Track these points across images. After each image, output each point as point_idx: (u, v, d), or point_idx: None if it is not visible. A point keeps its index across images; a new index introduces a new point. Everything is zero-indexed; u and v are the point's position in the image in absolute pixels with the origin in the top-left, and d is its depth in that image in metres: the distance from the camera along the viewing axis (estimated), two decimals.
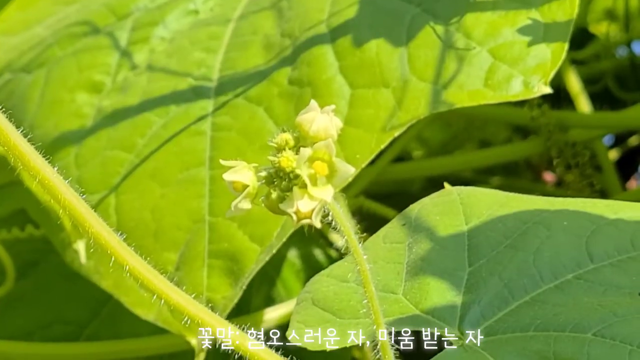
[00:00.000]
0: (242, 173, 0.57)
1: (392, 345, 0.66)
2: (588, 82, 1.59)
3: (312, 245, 1.19)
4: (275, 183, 0.57)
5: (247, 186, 0.57)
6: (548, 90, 0.86)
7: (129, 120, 0.98)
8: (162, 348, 1.09)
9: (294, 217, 0.56)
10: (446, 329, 0.71)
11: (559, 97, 1.47)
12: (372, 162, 1.35)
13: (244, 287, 0.87)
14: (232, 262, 0.87)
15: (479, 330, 0.71)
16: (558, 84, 1.52)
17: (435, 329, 0.71)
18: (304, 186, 0.56)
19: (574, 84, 1.46)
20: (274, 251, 0.86)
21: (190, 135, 0.95)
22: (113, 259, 0.62)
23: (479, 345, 0.69)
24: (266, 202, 0.57)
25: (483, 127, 1.64)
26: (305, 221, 0.55)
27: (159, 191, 0.93)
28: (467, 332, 0.71)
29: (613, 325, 0.68)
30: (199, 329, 0.85)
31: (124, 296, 0.91)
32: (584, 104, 1.38)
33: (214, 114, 0.95)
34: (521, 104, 1.32)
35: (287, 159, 0.56)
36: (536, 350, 0.68)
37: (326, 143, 0.55)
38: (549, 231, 0.76)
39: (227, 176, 0.57)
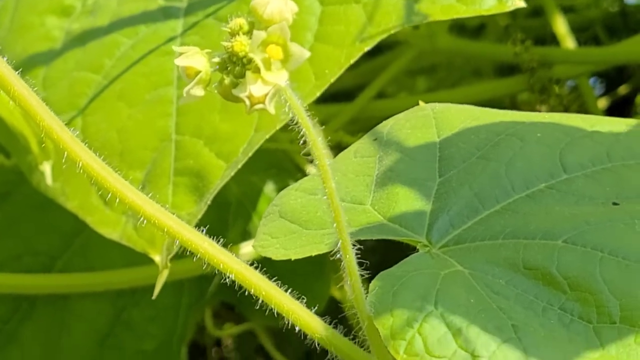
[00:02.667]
0: (195, 58, 0.55)
1: (357, 253, 0.64)
2: (577, 30, 1.57)
3: (289, 180, 1.17)
4: (229, 69, 0.55)
5: (200, 72, 0.55)
6: (522, 4, 0.84)
7: (98, 41, 0.96)
8: (135, 281, 1.07)
9: (247, 102, 0.53)
10: (413, 236, 0.69)
11: (545, 41, 1.45)
12: (352, 99, 1.34)
13: (209, 203, 0.85)
14: (197, 179, 0.85)
15: (447, 238, 0.69)
16: (545, 27, 1.49)
17: (402, 237, 0.69)
18: (257, 71, 0.53)
19: (561, 27, 1.44)
20: (239, 166, 0.84)
21: (159, 55, 0.93)
22: (80, 165, 0.60)
23: (446, 252, 0.68)
24: (219, 88, 0.55)
25: (466, 71, 1.62)
26: (259, 106, 0.53)
27: (126, 112, 0.91)
28: (434, 240, 0.69)
29: (584, 233, 0.66)
30: (168, 240, 0.83)
31: (89, 216, 0.89)
32: (569, 44, 1.35)
33: (183, 35, 0.93)
34: (504, 40, 1.30)
35: (240, 44, 0.54)
36: (505, 258, 0.66)
37: (280, 26, 0.53)
38: (522, 142, 0.74)
39: (180, 61, 0.55)
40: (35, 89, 0.65)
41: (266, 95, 0.53)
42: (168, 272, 1.03)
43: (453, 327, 0.61)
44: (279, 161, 1.18)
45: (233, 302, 1.21)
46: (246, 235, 1.14)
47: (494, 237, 0.68)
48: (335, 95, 1.48)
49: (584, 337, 0.62)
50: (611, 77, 1.91)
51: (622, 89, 1.86)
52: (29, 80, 0.82)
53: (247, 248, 1.09)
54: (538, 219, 0.68)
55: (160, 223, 0.64)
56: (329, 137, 1.17)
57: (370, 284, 0.64)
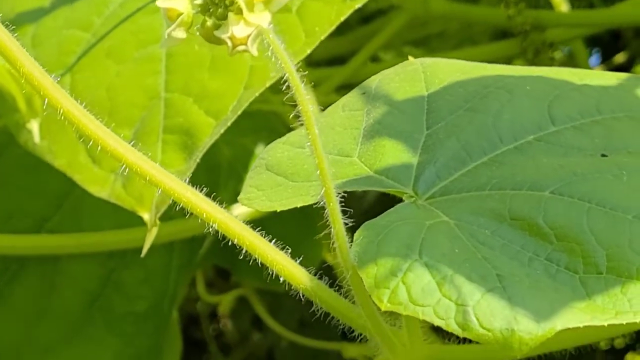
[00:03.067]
0: (177, 0, 0.54)
1: (341, 203, 0.63)
2: None
3: None
4: (211, 10, 0.54)
5: (182, 14, 0.54)
6: None
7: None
8: (125, 242, 1.07)
9: (229, 44, 0.53)
10: (400, 188, 0.69)
11: (538, 4, 1.44)
12: (345, 62, 1.33)
13: (198, 161, 0.84)
14: (186, 137, 0.85)
15: (433, 189, 0.68)
16: None
17: (389, 188, 0.69)
18: (239, 12, 0.53)
19: None
20: (229, 124, 0.84)
21: (148, 13, 0.92)
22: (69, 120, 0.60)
23: (432, 204, 0.67)
24: (201, 30, 0.55)
25: (460, 40, 1.61)
26: (241, 47, 0.53)
27: (115, 69, 0.90)
28: (421, 191, 0.68)
29: (572, 184, 0.66)
30: (157, 198, 0.83)
31: (77, 174, 0.89)
32: (563, 7, 1.35)
33: None
34: (498, 3, 1.29)
35: None
36: (491, 208, 0.65)
37: None
38: (511, 95, 0.74)
39: (161, 3, 0.54)
40: (25, 48, 0.64)
41: (248, 36, 0.53)
42: (158, 232, 1.03)
43: (437, 276, 0.61)
44: (270, 123, 1.17)
45: (224, 265, 1.20)
46: (237, 197, 1.13)
47: (481, 188, 0.67)
48: (328, 61, 1.48)
49: (570, 288, 0.62)
50: (607, 47, 1.90)
51: (618, 58, 1.86)
52: (18, 38, 0.81)
53: (238, 210, 1.08)
54: (525, 170, 0.68)
55: (152, 177, 0.64)
56: (321, 100, 1.16)
57: (355, 234, 0.64)
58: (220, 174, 1.13)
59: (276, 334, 1.47)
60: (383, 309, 0.60)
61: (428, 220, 0.65)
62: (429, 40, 1.67)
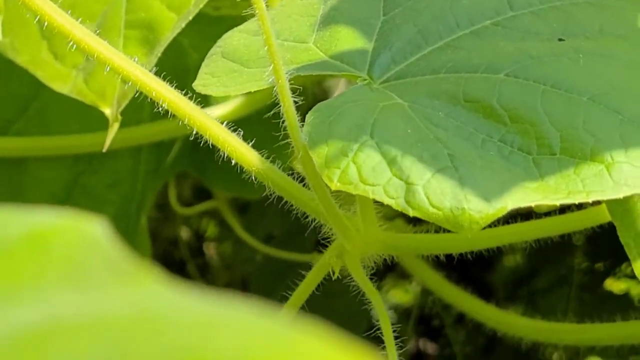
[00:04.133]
0: None
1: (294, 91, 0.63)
2: None
3: None
4: None
5: None
6: None
7: None
8: (92, 146, 1.06)
9: None
10: (354, 72, 0.68)
11: None
12: None
13: (159, 55, 0.83)
14: (148, 31, 0.84)
15: (388, 74, 0.68)
16: None
17: (343, 72, 0.68)
18: None
19: None
20: (190, 18, 0.83)
21: None
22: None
23: (387, 87, 0.66)
24: None
25: None
26: None
27: None
28: (376, 76, 0.68)
29: (527, 67, 0.65)
30: (118, 92, 0.82)
31: (40, 70, 0.88)
32: None
33: None
34: None
35: None
36: (445, 91, 0.65)
37: None
38: None
39: None
40: None
41: None
42: (125, 136, 1.02)
43: (388, 156, 0.60)
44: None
45: (193, 172, 1.20)
46: (205, 102, 1.12)
47: (436, 71, 0.67)
48: None
49: (522, 168, 0.61)
50: None
51: None
52: None
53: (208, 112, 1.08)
54: (481, 54, 0.67)
55: (118, 67, 0.64)
56: None
57: (307, 115, 0.63)
58: (188, 78, 1.12)
59: (250, 248, 1.48)
60: (333, 188, 0.60)
61: (381, 102, 0.64)
62: None
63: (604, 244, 1.20)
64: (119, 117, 0.83)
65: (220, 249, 1.85)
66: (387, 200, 0.59)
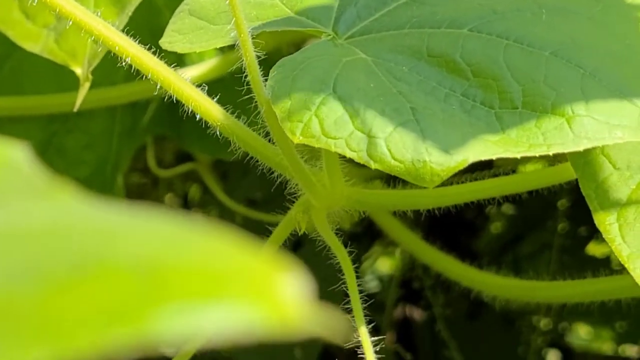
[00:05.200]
0: None
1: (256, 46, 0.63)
2: None
3: None
4: None
5: None
6: None
7: None
8: (66, 106, 1.06)
9: None
10: (319, 27, 0.68)
11: None
12: None
13: (130, 14, 0.83)
14: None
15: (353, 30, 0.68)
16: None
17: (308, 27, 0.68)
18: None
19: None
20: None
21: None
22: None
23: (351, 43, 0.67)
24: None
25: None
26: None
27: None
28: (341, 32, 0.68)
29: (491, 22, 0.66)
30: (89, 51, 0.82)
31: (11, 30, 0.88)
32: None
33: None
34: None
35: None
36: (409, 46, 0.65)
37: None
38: None
39: None
40: None
41: None
42: (99, 97, 1.02)
43: (350, 110, 0.61)
44: None
45: (170, 133, 1.20)
46: (181, 63, 1.13)
47: (400, 27, 0.67)
48: None
49: (485, 122, 0.62)
50: None
51: None
52: None
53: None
54: (445, 9, 0.67)
55: (86, 25, 0.64)
56: None
57: (271, 69, 0.63)
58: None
59: (230, 211, 1.48)
60: (295, 141, 0.60)
61: (345, 57, 0.64)
62: None
63: (587, 208, 1.21)
64: (90, 76, 0.83)
65: (205, 214, 1.85)
66: (349, 153, 0.60)
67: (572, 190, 1.17)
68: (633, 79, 0.62)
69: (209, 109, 0.64)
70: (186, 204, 1.90)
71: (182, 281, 0.23)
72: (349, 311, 0.68)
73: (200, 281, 0.23)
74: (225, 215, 1.69)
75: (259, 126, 0.65)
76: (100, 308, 0.22)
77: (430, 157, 0.59)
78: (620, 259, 0.64)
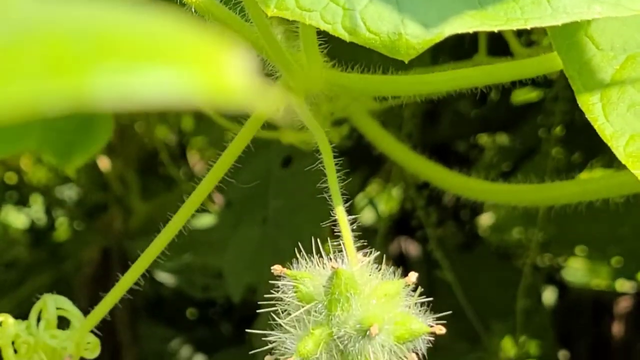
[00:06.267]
0: None
1: None
2: None
3: None
4: None
5: None
6: None
7: None
8: None
9: None
10: None
11: None
12: None
13: None
14: None
15: None
16: None
17: None
18: None
19: None
20: None
21: None
22: None
23: None
24: None
25: None
26: None
27: None
28: None
29: None
30: None
31: None
32: None
33: None
34: None
35: None
36: None
37: None
38: None
39: None
40: None
41: None
42: None
43: None
44: None
45: None
46: None
47: None
48: None
49: None
50: None
51: None
52: None
53: None
54: None
55: None
56: None
57: None
58: None
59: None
60: (269, 14, 0.60)
61: None
62: None
63: (581, 135, 1.20)
64: None
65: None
66: (323, 26, 0.59)
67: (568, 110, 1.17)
68: None
69: None
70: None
71: (126, 46, 0.23)
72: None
73: (144, 48, 0.23)
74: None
75: (234, 2, 0.64)
76: (43, 64, 0.22)
77: (405, 29, 0.59)
78: (603, 138, 0.64)
